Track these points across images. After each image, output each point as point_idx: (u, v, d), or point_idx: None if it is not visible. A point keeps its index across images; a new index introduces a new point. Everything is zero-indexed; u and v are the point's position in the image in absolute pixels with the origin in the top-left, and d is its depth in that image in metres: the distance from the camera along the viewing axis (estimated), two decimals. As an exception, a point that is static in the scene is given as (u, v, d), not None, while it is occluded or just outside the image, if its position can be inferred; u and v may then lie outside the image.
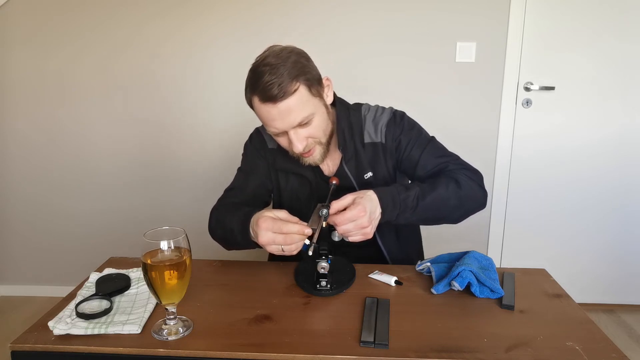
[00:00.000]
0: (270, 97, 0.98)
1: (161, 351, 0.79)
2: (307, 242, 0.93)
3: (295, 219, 0.95)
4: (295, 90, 0.99)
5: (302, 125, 1.03)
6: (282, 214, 0.96)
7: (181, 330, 0.83)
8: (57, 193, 2.39)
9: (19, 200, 2.40)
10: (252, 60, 2.07)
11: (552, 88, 2.19)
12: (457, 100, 2.22)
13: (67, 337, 0.82)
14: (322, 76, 1.09)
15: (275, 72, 0.98)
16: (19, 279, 2.49)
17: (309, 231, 0.92)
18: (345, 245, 1.01)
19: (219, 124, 2.30)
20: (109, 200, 2.39)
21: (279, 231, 0.92)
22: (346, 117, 1.17)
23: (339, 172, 1.16)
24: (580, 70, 2.17)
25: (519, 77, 2.19)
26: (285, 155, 1.18)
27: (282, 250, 0.93)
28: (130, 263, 1.10)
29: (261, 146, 1.26)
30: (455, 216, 1.11)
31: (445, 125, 2.19)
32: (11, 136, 2.33)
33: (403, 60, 2.18)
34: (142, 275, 0.95)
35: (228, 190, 1.27)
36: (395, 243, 1.23)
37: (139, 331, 0.83)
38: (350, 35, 2.15)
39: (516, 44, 2.16)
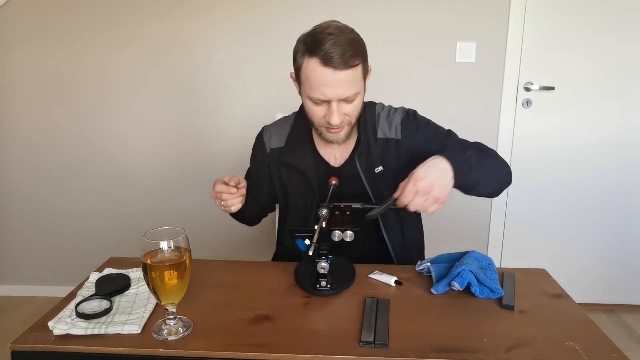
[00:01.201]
0: (333, 63, 1.00)
1: (161, 351, 0.79)
2: (307, 242, 0.93)
3: (233, 182, 1.12)
4: (355, 65, 1.03)
5: (346, 100, 1.06)
6: (228, 177, 1.12)
7: (181, 330, 0.83)
8: (57, 193, 2.39)
9: (19, 200, 2.40)
10: (253, 60, 2.12)
11: (552, 88, 2.19)
12: (457, 100, 2.22)
13: (67, 337, 0.82)
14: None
15: (341, 43, 1.01)
16: (19, 279, 2.49)
17: (234, 190, 1.09)
18: (348, 244, 1.00)
19: (218, 123, 2.30)
20: (109, 200, 2.39)
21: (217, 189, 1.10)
22: (363, 111, 1.19)
23: (348, 164, 1.19)
24: (580, 70, 2.17)
25: (519, 77, 2.19)
26: (289, 151, 1.21)
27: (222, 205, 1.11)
28: (130, 263, 1.09)
29: (261, 150, 1.27)
30: (499, 181, 1.12)
31: (445, 126, 2.18)
32: (11, 136, 2.33)
33: (403, 60, 2.18)
34: (142, 275, 0.95)
35: None
36: (400, 239, 1.24)
37: (139, 331, 0.83)
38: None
39: (516, 44, 2.16)
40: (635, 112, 2.20)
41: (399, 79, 2.20)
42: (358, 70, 1.05)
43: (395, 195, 0.95)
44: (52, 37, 2.22)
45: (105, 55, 2.23)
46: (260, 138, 1.29)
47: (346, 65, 1.01)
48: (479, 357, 0.77)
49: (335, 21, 1.09)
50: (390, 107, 1.24)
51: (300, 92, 1.12)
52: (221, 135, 2.30)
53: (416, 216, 1.32)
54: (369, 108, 1.21)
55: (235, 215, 1.27)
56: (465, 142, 1.18)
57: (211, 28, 2.19)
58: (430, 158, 0.98)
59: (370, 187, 1.17)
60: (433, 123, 1.23)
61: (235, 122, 2.29)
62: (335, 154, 1.21)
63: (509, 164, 1.15)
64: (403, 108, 1.24)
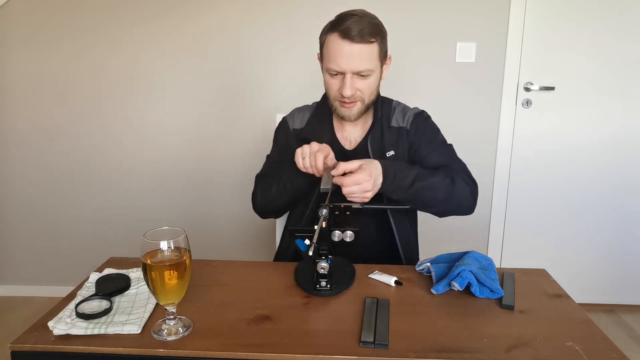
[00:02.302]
0: (350, 36, 1.09)
1: (161, 351, 0.79)
2: (307, 241, 0.93)
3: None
4: (371, 42, 1.11)
5: (360, 75, 1.13)
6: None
7: (181, 330, 0.83)
8: (57, 193, 2.39)
9: (19, 200, 2.40)
10: (252, 60, 2.13)
11: (552, 88, 2.19)
12: (457, 100, 2.22)
13: (67, 337, 0.82)
14: (388, 54, 1.20)
15: (362, 22, 1.11)
16: (19, 279, 2.49)
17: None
18: (353, 244, 1.00)
19: (219, 124, 2.30)
20: (109, 200, 2.39)
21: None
22: (379, 102, 1.27)
23: (361, 147, 1.24)
24: (580, 70, 2.17)
25: (519, 77, 2.19)
26: (306, 131, 1.28)
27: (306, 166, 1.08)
28: (130, 263, 1.09)
29: (285, 130, 1.34)
30: (439, 209, 1.18)
31: (445, 126, 2.17)
32: (11, 136, 2.33)
33: (403, 60, 2.18)
34: (142, 276, 0.95)
35: (262, 176, 1.35)
36: (408, 239, 1.27)
37: (139, 331, 0.83)
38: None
39: (516, 44, 2.16)
40: (635, 112, 2.20)
41: (399, 79, 2.20)
42: (374, 47, 1.12)
43: (337, 172, 1.02)
44: (52, 37, 2.21)
45: (105, 55, 2.23)
46: (283, 122, 1.36)
47: (362, 39, 1.09)
48: (479, 357, 0.77)
49: (363, 9, 1.16)
50: (405, 105, 1.32)
51: (322, 70, 1.20)
52: (221, 136, 2.30)
53: (414, 216, 1.35)
54: (385, 101, 1.30)
55: (265, 208, 1.29)
56: (452, 156, 1.24)
57: (211, 28, 2.19)
58: (381, 163, 1.06)
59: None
60: (439, 130, 1.30)
61: (236, 123, 2.29)
62: (350, 138, 1.27)
63: (472, 195, 1.18)
64: (418, 108, 1.31)
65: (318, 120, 1.29)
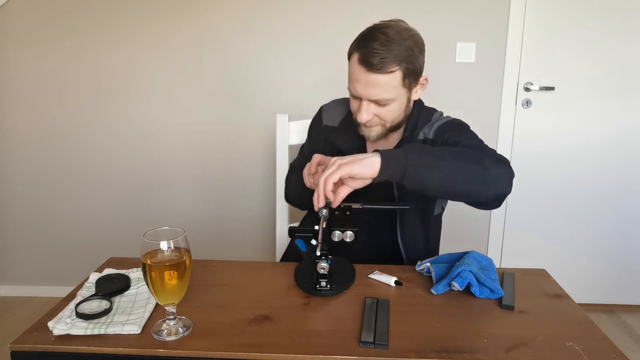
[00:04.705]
0: (367, 63, 1.02)
1: (161, 351, 0.79)
2: (314, 242, 0.93)
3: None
4: (391, 72, 1.03)
5: (378, 102, 1.06)
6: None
7: (181, 331, 0.83)
8: (57, 193, 2.39)
9: (19, 201, 2.40)
10: (251, 61, 2.11)
11: (552, 88, 2.19)
12: (457, 100, 2.22)
13: (67, 338, 0.82)
14: (423, 75, 1.13)
15: (386, 46, 1.01)
16: (19, 279, 2.49)
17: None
18: (357, 244, 1.00)
19: (217, 123, 2.30)
20: (109, 200, 2.39)
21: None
22: (416, 114, 1.19)
23: None
24: (580, 70, 2.17)
25: (519, 77, 2.20)
26: (337, 133, 1.23)
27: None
28: (130, 263, 1.09)
29: (318, 124, 1.30)
30: (480, 190, 0.96)
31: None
32: (11, 137, 2.33)
33: (403, 60, 2.18)
34: (142, 276, 0.95)
35: (292, 168, 1.34)
36: (416, 243, 1.21)
37: (139, 331, 0.83)
38: (350, 35, 2.14)
39: (516, 44, 2.16)
40: (635, 112, 2.20)
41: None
42: (395, 76, 1.03)
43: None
44: (52, 37, 2.21)
45: (104, 56, 2.23)
46: (318, 115, 1.32)
47: (380, 69, 1.01)
48: (479, 357, 0.77)
49: (402, 22, 1.09)
50: (446, 116, 1.22)
51: None
52: (222, 136, 2.30)
53: (434, 218, 1.28)
54: (426, 113, 1.21)
55: (290, 200, 1.32)
56: (482, 144, 1.10)
57: (210, 28, 2.19)
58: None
59: (396, 187, 1.16)
60: (471, 132, 1.16)
61: (236, 123, 2.29)
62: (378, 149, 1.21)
63: (505, 167, 0.99)
64: (452, 117, 1.21)
65: (351, 123, 1.19)
